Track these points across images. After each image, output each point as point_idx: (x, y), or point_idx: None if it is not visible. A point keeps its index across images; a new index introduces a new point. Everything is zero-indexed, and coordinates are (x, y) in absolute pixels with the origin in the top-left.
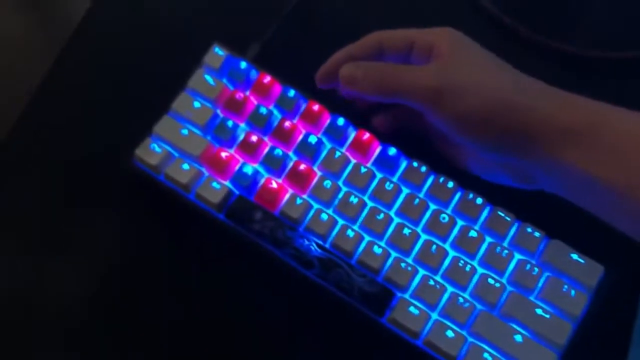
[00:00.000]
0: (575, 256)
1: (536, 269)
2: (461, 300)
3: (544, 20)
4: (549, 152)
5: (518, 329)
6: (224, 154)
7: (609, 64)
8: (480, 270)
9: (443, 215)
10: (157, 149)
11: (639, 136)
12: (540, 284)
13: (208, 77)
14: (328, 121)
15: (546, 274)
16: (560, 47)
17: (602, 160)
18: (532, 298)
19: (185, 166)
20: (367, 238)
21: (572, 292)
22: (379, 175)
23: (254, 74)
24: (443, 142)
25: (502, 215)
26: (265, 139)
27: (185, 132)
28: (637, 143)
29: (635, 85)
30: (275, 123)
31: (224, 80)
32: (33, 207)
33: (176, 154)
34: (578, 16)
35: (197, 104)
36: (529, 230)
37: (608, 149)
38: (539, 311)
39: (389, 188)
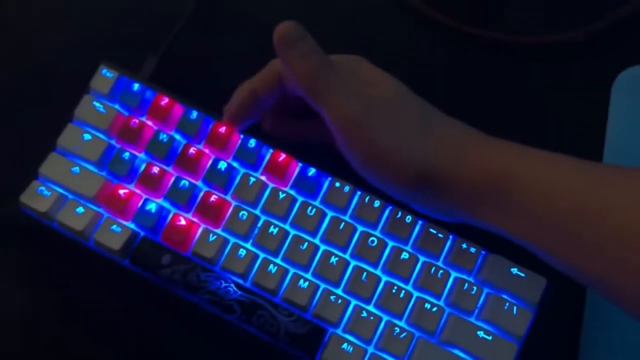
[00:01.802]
0: (515, 270)
1: (475, 288)
2: (397, 330)
3: (470, 10)
4: (464, 208)
5: (460, 354)
6: (122, 191)
7: (537, 49)
8: (415, 295)
9: (372, 238)
10: (46, 192)
11: (548, 188)
12: (480, 304)
13: (97, 104)
14: (238, 143)
15: (486, 291)
16: (490, 35)
17: (513, 218)
18: (472, 320)
19: (80, 209)
20: (291, 271)
21: (515, 309)
22: (299, 200)
23: (149, 95)
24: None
25: (434, 232)
26: (169, 169)
27: (76, 169)
28: (545, 197)
29: (563, 69)
30: (179, 150)
31: (116, 106)
32: None
33: (69, 196)
34: (505, 5)
35: (87, 136)
36: (464, 246)
37: (517, 207)
38: (480, 333)
39: (311, 213)
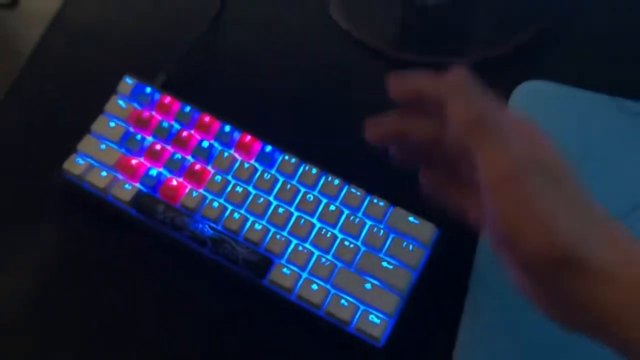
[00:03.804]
0: (412, 219)
1: (382, 231)
2: (324, 260)
3: (391, 33)
4: (610, 319)
5: (369, 279)
6: (134, 162)
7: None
8: (339, 237)
9: (309, 195)
10: (81, 162)
11: None
12: (386, 243)
13: (121, 102)
14: (218, 129)
15: (391, 235)
16: (406, 57)
17: None
18: (380, 254)
19: (103, 173)
20: (250, 219)
21: (411, 247)
22: (260, 169)
23: (157, 96)
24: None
25: (355, 191)
26: (168, 147)
27: (103, 147)
28: None
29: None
30: (175, 133)
31: (134, 104)
32: None
33: (96, 164)
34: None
35: (112, 124)
36: (375, 201)
37: None
38: (384, 264)
39: (267, 178)
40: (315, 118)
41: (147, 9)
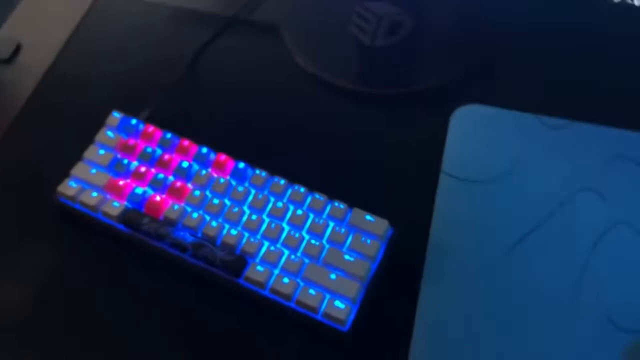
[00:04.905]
0: (368, 217)
1: (344, 229)
2: (293, 257)
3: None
4: None
5: (333, 270)
6: (121, 182)
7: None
8: (306, 237)
9: (279, 203)
10: (74, 185)
11: None
12: (348, 240)
13: (109, 133)
14: (196, 151)
15: (352, 232)
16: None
17: None
18: (342, 249)
19: (94, 193)
20: (226, 226)
21: (369, 241)
22: (234, 183)
23: (141, 126)
24: None
25: (319, 197)
26: (152, 169)
27: (93, 171)
28: None
29: (416, 109)
30: (158, 157)
31: (121, 134)
32: None
33: (87, 187)
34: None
35: (101, 152)
36: (337, 204)
37: None
38: (347, 257)
39: (241, 190)
40: (283, 139)
41: (133, 57)
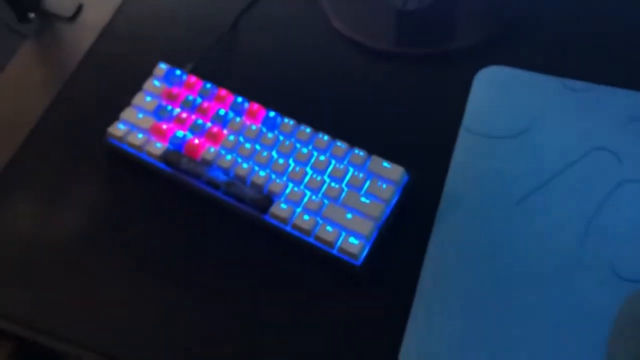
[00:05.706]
0: (385, 163)
1: (362, 175)
2: (314, 198)
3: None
4: None
5: (350, 210)
6: (164, 126)
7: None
8: (327, 180)
9: (304, 149)
10: (122, 127)
11: None
12: (366, 184)
13: (156, 82)
14: (232, 101)
15: (369, 178)
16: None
17: None
18: (360, 192)
19: (140, 135)
20: (256, 168)
21: (384, 185)
22: (264, 130)
23: (184, 77)
24: None
25: (340, 144)
26: (192, 115)
27: (140, 115)
28: None
29: (452, 74)
30: (198, 105)
31: (166, 83)
32: (41, 168)
33: (134, 129)
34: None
35: (148, 98)
36: (356, 151)
37: None
38: (363, 199)
39: (270, 137)
40: (313, 93)
41: (182, 18)
